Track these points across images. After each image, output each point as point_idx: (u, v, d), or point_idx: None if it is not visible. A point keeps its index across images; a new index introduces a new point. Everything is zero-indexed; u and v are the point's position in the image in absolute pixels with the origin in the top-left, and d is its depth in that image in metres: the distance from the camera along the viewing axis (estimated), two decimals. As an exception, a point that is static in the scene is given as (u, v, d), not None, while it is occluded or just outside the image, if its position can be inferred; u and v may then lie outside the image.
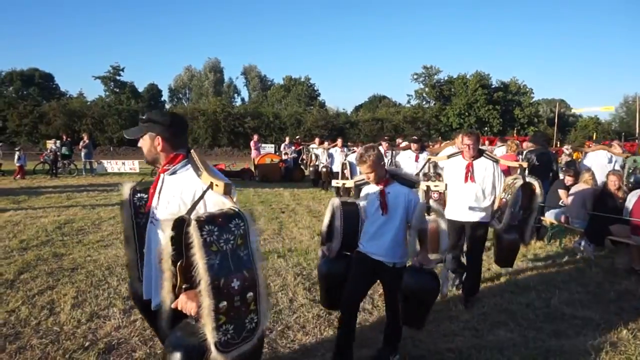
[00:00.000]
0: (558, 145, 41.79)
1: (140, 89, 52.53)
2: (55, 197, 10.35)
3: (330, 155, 12.82)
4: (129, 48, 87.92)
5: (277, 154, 18.44)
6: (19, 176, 14.27)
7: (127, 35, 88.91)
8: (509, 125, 49.81)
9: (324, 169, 12.74)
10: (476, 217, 4.26)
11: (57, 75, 59.52)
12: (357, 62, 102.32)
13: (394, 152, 9.47)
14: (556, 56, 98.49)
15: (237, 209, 1.82)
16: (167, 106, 58.01)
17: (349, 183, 3.53)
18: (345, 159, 10.51)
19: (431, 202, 3.14)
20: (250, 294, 1.79)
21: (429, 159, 5.15)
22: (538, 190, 4.08)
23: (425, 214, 3.04)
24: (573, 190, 6.56)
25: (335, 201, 3.40)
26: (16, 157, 14.65)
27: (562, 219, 6.62)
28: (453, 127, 46.46)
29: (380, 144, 11.92)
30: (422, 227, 2.99)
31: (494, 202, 4.28)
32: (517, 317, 4.00)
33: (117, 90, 49.71)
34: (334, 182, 3.75)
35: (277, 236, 6.90)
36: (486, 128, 49.08)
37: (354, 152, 10.69)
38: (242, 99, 63.89)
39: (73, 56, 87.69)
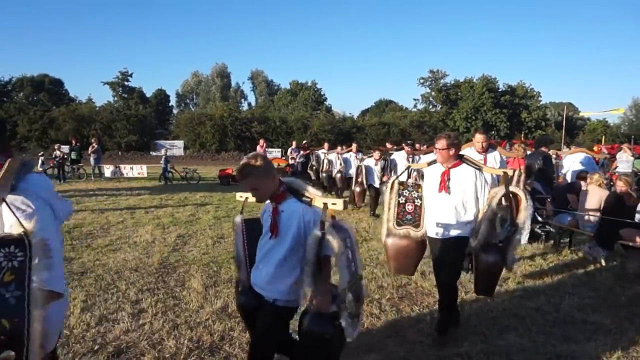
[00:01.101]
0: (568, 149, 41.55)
1: (148, 94, 52.99)
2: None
3: (345, 161, 12.34)
4: (137, 54, 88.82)
5: (284, 158, 18.49)
6: None
7: (135, 41, 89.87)
8: (517, 129, 49.60)
9: (339, 175, 12.36)
10: (452, 234, 3.61)
11: (66, 81, 60.43)
12: (363, 66, 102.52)
13: (415, 156, 9.15)
14: (564, 59, 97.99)
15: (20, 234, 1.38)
16: (175, 111, 58.42)
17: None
18: (360, 163, 10.27)
19: (326, 226, 2.25)
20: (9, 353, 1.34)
21: (409, 166, 4.71)
22: (524, 202, 3.49)
23: (332, 239, 2.22)
24: (583, 193, 6.50)
25: (237, 219, 2.85)
26: (40, 162, 14.77)
27: (571, 222, 6.56)
28: (460, 130, 46.33)
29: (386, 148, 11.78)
30: (322, 255, 2.28)
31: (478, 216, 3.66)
32: (527, 321, 3.97)
33: (126, 95, 50.17)
34: (237, 195, 3.14)
35: (284, 240, 6.89)
36: (493, 132, 48.89)
37: (370, 156, 10.24)
38: (249, 104, 64.26)
39: (82, 62, 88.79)
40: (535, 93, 52.77)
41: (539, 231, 6.95)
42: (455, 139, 3.66)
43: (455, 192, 3.61)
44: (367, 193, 9.93)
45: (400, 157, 9.36)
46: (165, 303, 4.20)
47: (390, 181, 3.94)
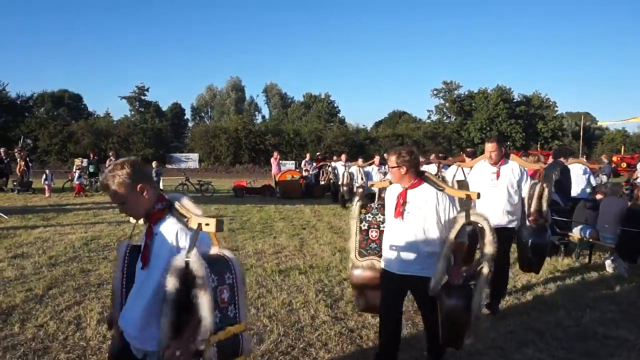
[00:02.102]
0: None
1: (164, 108, 53.85)
2: (82, 214, 10.62)
3: (366, 174, 11.32)
4: (153, 69, 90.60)
5: (298, 170, 18.54)
6: (48, 194, 14.57)
7: (151, 57, 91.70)
8: (533, 140, 48.99)
9: (360, 190, 11.00)
10: (409, 270, 3.02)
11: (85, 95, 61.81)
12: (376, 78, 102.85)
13: (441, 166, 8.84)
14: (580, 68, 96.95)
15: None
16: (190, 124, 59.19)
17: None
18: (384, 178, 9.49)
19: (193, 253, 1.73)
20: None
21: (372, 184, 4.03)
22: (489, 235, 2.83)
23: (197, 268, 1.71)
24: (604, 204, 6.37)
25: (122, 244, 2.25)
26: (44, 177, 15.01)
27: (592, 234, 6.42)
28: (475, 142, 45.96)
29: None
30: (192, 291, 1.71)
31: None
32: (546, 336, 3.88)
33: (142, 109, 51.06)
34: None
35: (298, 252, 6.90)
36: (509, 142, 48.38)
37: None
38: (263, 117, 64.75)
39: (101, 77, 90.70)
40: (551, 103, 52.17)
41: (558, 243, 6.82)
42: (408, 154, 3.03)
43: (414, 218, 3.02)
44: None
45: (430, 169, 9.17)
46: (180, 315, 4.20)
47: (354, 204, 3.51)
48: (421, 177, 3.09)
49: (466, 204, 3.00)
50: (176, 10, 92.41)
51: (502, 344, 3.70)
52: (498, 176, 4.46)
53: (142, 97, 51.18)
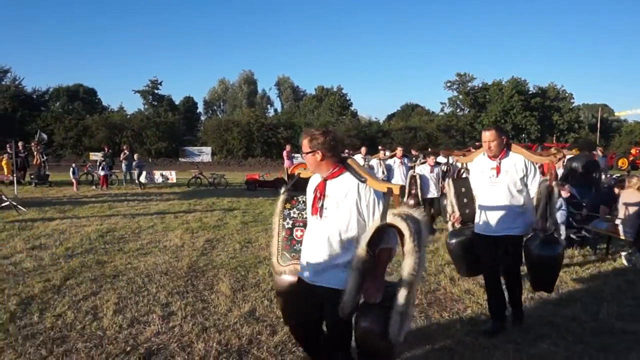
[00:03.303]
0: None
1: (177, 102, 54.20)
2: (98, 206, 10.77)
3: (388, 169, 10.17)
4: (166, 63, 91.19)
5: (310, 163, 18.50)
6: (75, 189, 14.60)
7: (164, 51, 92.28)
8: (548, 132, 48.29)
9: None
10: (323, 281, 2.48)
11: (99, 90, 62.62)
12: (389, 70, 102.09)
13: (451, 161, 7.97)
14: (597, 59, 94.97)
15: None
16: (202, 118, 59.54)
17: None
18: (413, 171, 8.10)
19: None
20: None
21: (298, 174, 3.12)
22: (409, 241, 2.23)
23: None
24: (624, 197, 6.25)
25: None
26: (71, 170, 15.10)
27: (610, 228, 6.32)
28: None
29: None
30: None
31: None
32: (562, 330, 3.83)
33: (155, 103, 51.47)
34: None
35: (311, 245, 6.89)
36: (523, 135, 47.75)
37: (424, 162, 8.15)
38: (275, 110, 64.87)
39: (115, 72, 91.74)
40: (567, 95, 51.31)
41: (574, 237, 6.73)
42: (322, 135, 2.48)
43: (332, 217, 2.47)
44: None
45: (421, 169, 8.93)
46: (194, 306, 4.25)
47: (281, 196, 2.95)
48: (343, 164, 2.51)
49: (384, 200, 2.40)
50: (189, 4, 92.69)
51: (518, 338, 3.66)
52: (498, 172, 3.70)
53: (156, 91, 51.58)
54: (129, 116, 45.12)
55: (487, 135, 3.69)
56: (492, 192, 3.73)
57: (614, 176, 10.72)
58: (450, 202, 4.17)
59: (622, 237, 6.12)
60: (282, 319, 3.93)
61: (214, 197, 12.76)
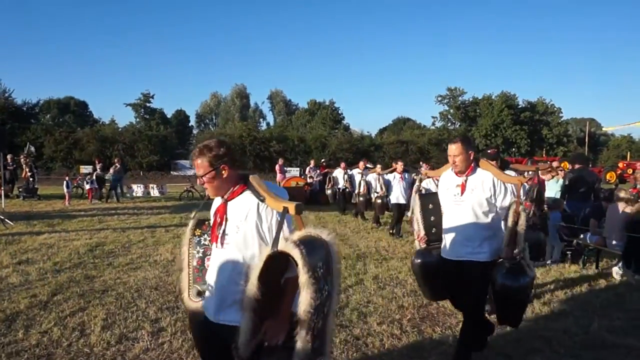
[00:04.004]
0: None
1: (169, 115, 54.13)
2: (87, 220, 10.65)
3: (387, 183, 9.67)
4: (158, 76, 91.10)
5: (303, 177, 18.54)
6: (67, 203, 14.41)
7: (156, 64, 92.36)
8: (537, 146, 48.87)
9: (379, 201, 9.79)
10: (224, 317, 2.14)
11: (91, 103, 62.26)
12: (380, 85, 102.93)
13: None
14: (585, 74, 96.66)
15: None
16: (195, 131, 59.46)
17: None
18: (420, 184, 7.14)
19: None
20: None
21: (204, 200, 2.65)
22: (302, 271, 1.75)
23: None
24: (610, 210, 6.33)
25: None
26: (64, 184, 14.89)
27: (599, 241, 6.37)
28: (479, 148, 45.92)
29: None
30: None
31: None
32: (554, 343, 3.83)
33: (147, 116, 51.38)
34: None
35: (302, 259, 6.86)
36: (514, 149, 48.27)
37: (427, 177, 6.77)
38: (268, 124, 64.97)
39: (106, 84, 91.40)
40: (556, 109, 52.09)
41: (564, 250, 6.79)
42: (218, 147, 2.15)
43: (233, 244, 2.12)
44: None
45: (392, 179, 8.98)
46: (184, 322, 4.19)
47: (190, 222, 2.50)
48: (244, 181, 2.17)
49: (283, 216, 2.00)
50: (181, 17, 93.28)
51: (510, 352, 3.66)
52: (463, 190, 3.32)
53: (147, 104, 51.53)
54: (120, 129, 44.87)
55: (452, 149, 3.31)
56: (456, 211, 3.35)
57: (602, 189, 10.84)
58: (416, 219, 3.76)
59: (611, 250, 6.17)
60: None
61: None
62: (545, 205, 4.88)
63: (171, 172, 38.85)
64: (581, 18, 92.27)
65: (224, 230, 2.16)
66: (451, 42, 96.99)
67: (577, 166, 7.70)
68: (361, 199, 10.90)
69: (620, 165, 33.75)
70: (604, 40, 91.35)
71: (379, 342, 3.78)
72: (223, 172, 2.13)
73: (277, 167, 18.08)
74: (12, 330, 3.93)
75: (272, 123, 64.58)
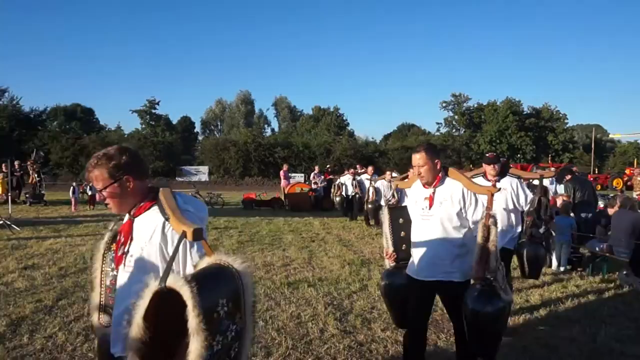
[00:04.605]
0: (596, 172, 40.50)
1: (174, 122, 54.41)
2: (92, 225, 10.69)
3: (398, 191, 9.70)
4: (164, 83, 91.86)
5: (307, 183, 18.55)
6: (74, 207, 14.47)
7: (162, 71, 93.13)
8: (543, 152, 48.66)
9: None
10: (118, 349, 1.91)
11: (97, 109, 62.74)
12: (385, 91, 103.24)
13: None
14: (591, 80, 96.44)
15: None
16: (200, 137, 59.71)
17: None
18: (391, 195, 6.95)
19: None
20: None
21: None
22: (192, 315, 1.39)
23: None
24: (615, 218, 6.28)
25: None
26: (71, 190, 14.93)
27: (605, 248, 6.32)
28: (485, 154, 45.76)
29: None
30: None
31: None
32: (560, 352, 3.79)
33: (153, 123, 51.65)
34: None
35: (307, 265, 6.86)
36: (519, 155, 48.09)
37: (397, 187, 6.75)
38: (272, 130, 65.16)
39: (112, 91, 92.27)
40: (561, 115, 51.90)
41: (571, 257, 6.74)
42: (123, 153, 1.85)
43: (135, 266, 1.84)
44: None
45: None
46: (188, 327, 4.18)
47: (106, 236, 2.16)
48: (155, 196, 1.85)
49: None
50: (186, 23, 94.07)
51: (515, 359, 3.62)
52: (431, 203, 3.02)
53: (153, 111, 51.82)
54: (126, 135, 45.19)
55: (416, 159, 3.01)
56: (424, 227, 3.05)
57: (608, 196, 10.79)
58: (385, 235, 3.45)
59: (617, 257, 6.12)
60: (277, 340, 3.88)
61: (210, 217, 12.61)
62: (549, 215, 4.63)
63: (176, 178, 38.98)
64: (587, 23, 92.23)
65: (127, 251, 1.86)
66: (456, 48, 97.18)
67: (567, 178, 7.72)
68: (369, 205, 10.75)
69: (627, 172, 33.54)
70: (610, 45, 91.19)
71: (383, 349, 3.76)
72: (127, 184, 1.82)
73: (281, 173, 18.11)
74: (17, 335, 3.94)
75: (276, 129, 64.81)
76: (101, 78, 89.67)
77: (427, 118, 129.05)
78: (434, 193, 3.02)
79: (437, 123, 56.65)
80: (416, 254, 3.09)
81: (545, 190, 4.48)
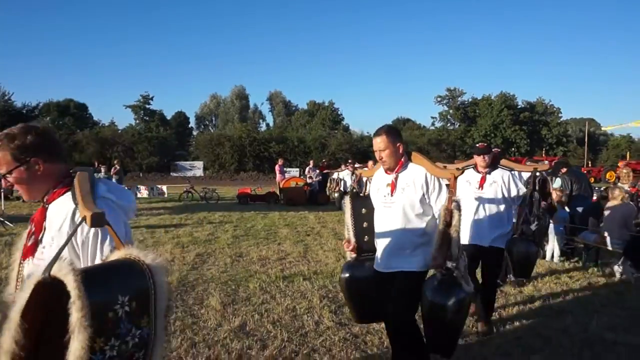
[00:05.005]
0: (590, 165, 40.79)
1: (169, 117, 54.14)
2: (87, 221, 10.64)
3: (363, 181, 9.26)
4: (158, 78, 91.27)
5: (302, 177, 18.56)
6: None
7: (156, 66, 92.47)
8: (537, 146, 48.90)
9: None
10: None
11: (90, 105, 62.29)
12: (380, 85, 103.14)
13: None
14: (584, 74, 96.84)
15: None
16: (194, 133, 59.49)
17: None
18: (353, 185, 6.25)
19: None
20: None
21: None
22: (74, 309, 1.12)
23: None
24: (609, 208, 6.33)
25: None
26: None
27: (598, 238, 6.37)
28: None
29: None
30: None
31: None
32: (553, 342, 3.82)
33: (147, 118, 51.38)
34: None
35: (302, 259, 6.87)
36: (513, 149, 48.32)
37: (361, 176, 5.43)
38: (267, 125, 64.99)
39: (106, 87, 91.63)
40: (555, 109, 52.16)
41: (564, 249, 6.80)
42: (29, 132, 1.62)
43: (46, 259, 1.54)
44: None
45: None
46: (183, 321, 4.19)
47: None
48: (68, 180, 1.65)
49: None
50: (180, 18, 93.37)
51: (509, 350, 3.66)
52: (393, 190, 2.85)
53: (147, 106, 51.52)
54: (120, 131, 44.96)
55: (377, 142, 2.85)
56: (386, 215, 2.88)
57: (601, 188, 10.88)
58: (347, 225, 3.21)
59: (610, 249, 6.18)
60: (272, 333, 3.89)
61: (205, 212, 12.69)
62: (547, 208, 4.21)
63: (171, 174, 38.87)
64: (579, 17, 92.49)
65: (40, 241, 1.65)
66: (450, 42, 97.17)
67: (563, 171, 7.77)
68: (335, 194, 10.81)
69: (620, 164, 33.83)
70: (602, 39, 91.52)
71: (378, 340, 3.78)
72: (36, 167, 1.61)
73: (276, 167, 18.10)
74: (11, 331, 3.92)
75: (271, 124, 64.64)
76: (95, 73, 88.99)
77: (422, 112, 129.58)
78: (396, 179, 2.86)
79: (432, 117, 56.80)
80: (379, 245, 2.94)
81: (544, 182, 4.11)
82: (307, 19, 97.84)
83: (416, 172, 2.82)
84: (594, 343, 3.82)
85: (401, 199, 2.81)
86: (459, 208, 2.63)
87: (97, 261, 1.52)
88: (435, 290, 2.64)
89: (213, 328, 4.03)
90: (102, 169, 16.56)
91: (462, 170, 2.93)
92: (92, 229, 1.51)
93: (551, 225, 6.48)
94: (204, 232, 9.25)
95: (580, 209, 7.19)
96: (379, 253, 2.94)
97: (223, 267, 6.25)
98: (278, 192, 16.19)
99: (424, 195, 2.78)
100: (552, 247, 6.69)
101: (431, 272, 2.84)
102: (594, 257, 6.59)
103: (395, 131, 2.91)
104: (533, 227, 4.02)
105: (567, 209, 7.24)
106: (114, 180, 17.05)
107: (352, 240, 3.15)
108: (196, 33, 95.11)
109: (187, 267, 6.23)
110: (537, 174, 4.00)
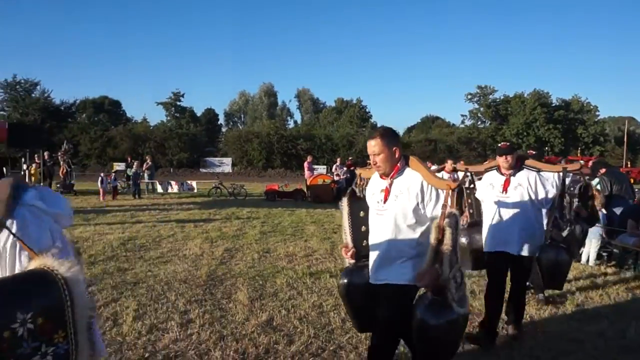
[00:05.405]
0: (629, 166, 39.17)
1: (199, 114, 55.09)
2: (120, 215, 10.97)
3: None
4: (188, 75, 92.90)
5: (329, 174, 18.56)
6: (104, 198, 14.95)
7: (187, 64, 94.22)
8: (572, 145, 47.33)
9: None
10: None
11: (124, 102, 63.95)
12: (408, 83, 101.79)
13: None
14: (623, 71, 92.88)
15: None
16: (223, 129, 60.33)
17: None
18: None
19: None
20: None
21: None
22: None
23: None
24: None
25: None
26: (99, 180, 15.35)
27: (638, 242, 6.12)
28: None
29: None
30: None
31: None
32: (587, 347, 3.70)
33: (178, 115, 52.43)
34: None
35: (329, 256, 6.88)
36: (547, 148, 46.91)
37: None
38: (295, 122, 65.20)
39: (139, 84, 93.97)
40: (592, 107, 50.28)
41: (600, 252, 6.56)
42: None
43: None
44: None
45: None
46: (212, 314, 4.27)
47: None
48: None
49: None
50: (210, 18, 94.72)
51: (540, 354, 3.56)
52: (386, 197, 2.66)
53: (178, 103, 52.55)
54: (152, 127, 46.07)
55: (371, 146, 2.65)
56: (378, 223, 2.70)
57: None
58: (344, 229, 3.04)
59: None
60: (299, 329, 3.92)
61: (233, 207, 12.87)
62: (591, 209, 3.90)
63: (200, 170, 39.56)
64: (617, 14, 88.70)
65: None
66: (482, 39, 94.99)
67: (602, 171, 7.49)
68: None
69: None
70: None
71: (405, 340, 3.74)
72: None
73: (305, 164, 18.18)
74: (49, 318, 4.09)
75: (299, 121, 64.85)
76: (128, 71, 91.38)
77: (452, 110, 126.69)
78: (390, 185, 2.65)
79: (462, 115, 55.68)
80: (371, 254, 2.76)
81: (586, 187, 3.82)
82: (335, 16, 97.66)
83: (412, 179, 2.60)
84: (632, 350, 3.68)
85: (393, 207, 2.61)
86: (452, 224, 2.40)
87: (17, 271, 1.44)
88: (427, 309, 2.48)
89: (241, 322, 4.09)
90: (135, 164, 16.99)
91: (458, 183, 2.67)
92: (10, 239, 1.45)
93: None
94: (232, 227, 9.38)
95: (618, 211, 6.92)
96: (370, 262, 2.76)
97: (251, 263, 6.33)
98: (305, 189, 16.25)
99: (418, 204, 2.56)
100: (588, 250, 6.47)
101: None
102: (633, 260, 6.34)
103: (391, 134, 2.69)
104: (565, 233, 3.73)
105: (604, 210, 6.98)
106: (145, 175, 17.53)
107: (350, 244, 2.96)
108: (226, 31, 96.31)
109: (215, 261, 6.34)
110: (579, 177, 3.78)
